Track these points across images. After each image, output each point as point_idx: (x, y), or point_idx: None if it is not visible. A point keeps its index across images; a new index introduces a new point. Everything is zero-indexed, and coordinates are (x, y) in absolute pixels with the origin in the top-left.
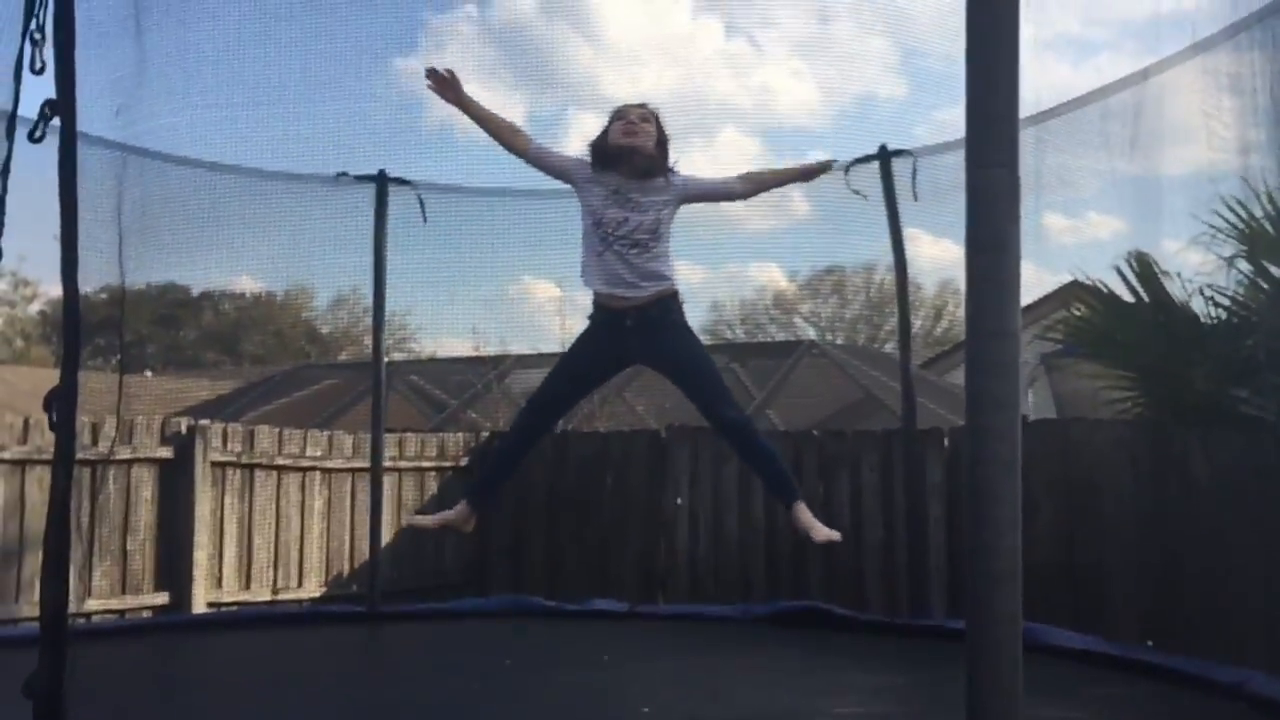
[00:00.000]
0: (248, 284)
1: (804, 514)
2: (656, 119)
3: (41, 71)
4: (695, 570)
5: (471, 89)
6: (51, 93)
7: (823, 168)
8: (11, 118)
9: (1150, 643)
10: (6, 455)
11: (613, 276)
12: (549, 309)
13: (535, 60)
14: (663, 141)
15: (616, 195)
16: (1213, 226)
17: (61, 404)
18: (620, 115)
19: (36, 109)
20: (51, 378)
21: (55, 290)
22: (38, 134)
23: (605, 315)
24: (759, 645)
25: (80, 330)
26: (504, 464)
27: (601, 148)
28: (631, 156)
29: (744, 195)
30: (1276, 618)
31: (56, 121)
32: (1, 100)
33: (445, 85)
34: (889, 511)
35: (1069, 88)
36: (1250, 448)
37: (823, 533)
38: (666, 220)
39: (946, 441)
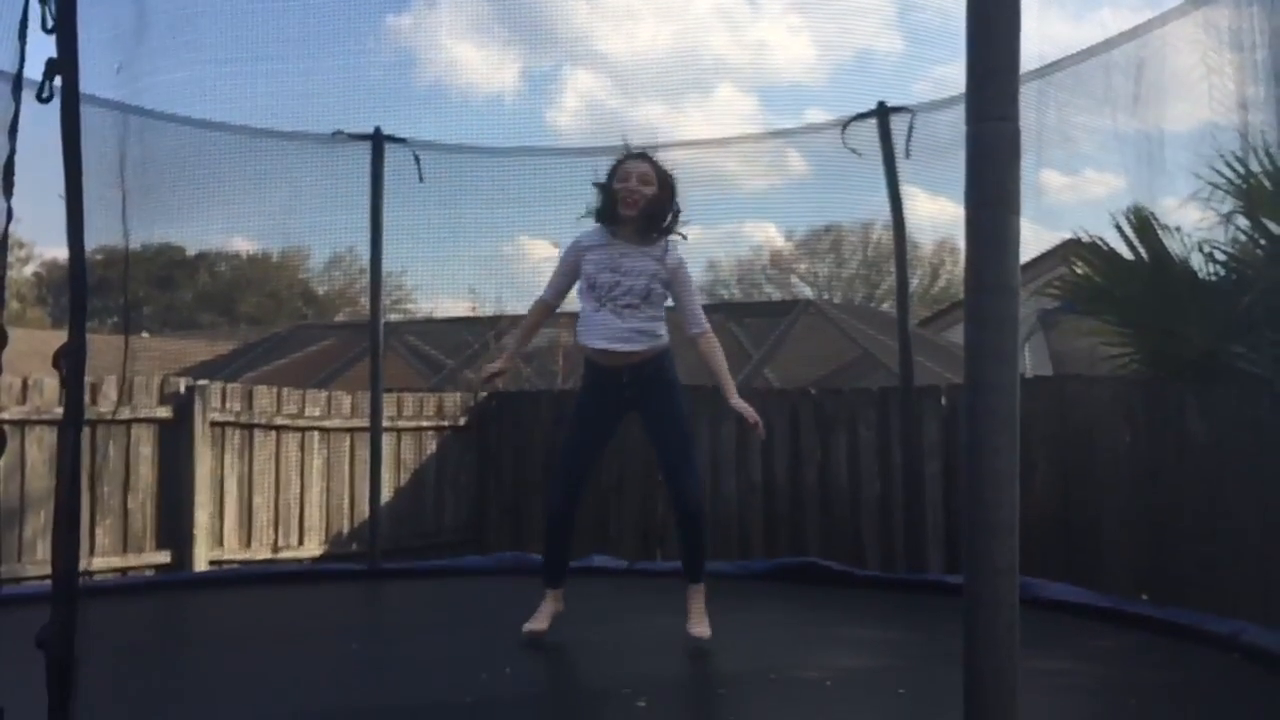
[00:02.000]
0: (243, 244)
1: (697, 599)
2: (658, 173)
3: (55, 31)
4: None
5: (464, 48)
6: (52, 51)
7: (751, 423)
8: (18, 76)
9: (1145, 596)
10: (5, 416)
11: (607, 332)
12: (545, 269)
13: (529, 16)
14: (665, 193)
15: (610, 259)
16: (1211, 183)
17: (71, 361)
18: (622, 176)
19: (40, 68)
20: (47, 339)
21: (50, 252)
22: (44, 95)
23: (600, 373)
24: (756, 601)
25: (87, 287)
26: (556, 541)
27: (607, 203)
28: (632, 222)
29: (691, 338)
30: (1270, 571)
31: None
32: (8, 60)
33: (506, 363)
34: (886, 469)
35: (1071, 42)
36: (1246, 403)
37: (698, 628)
38: (657, 290)
39: (944, 399)
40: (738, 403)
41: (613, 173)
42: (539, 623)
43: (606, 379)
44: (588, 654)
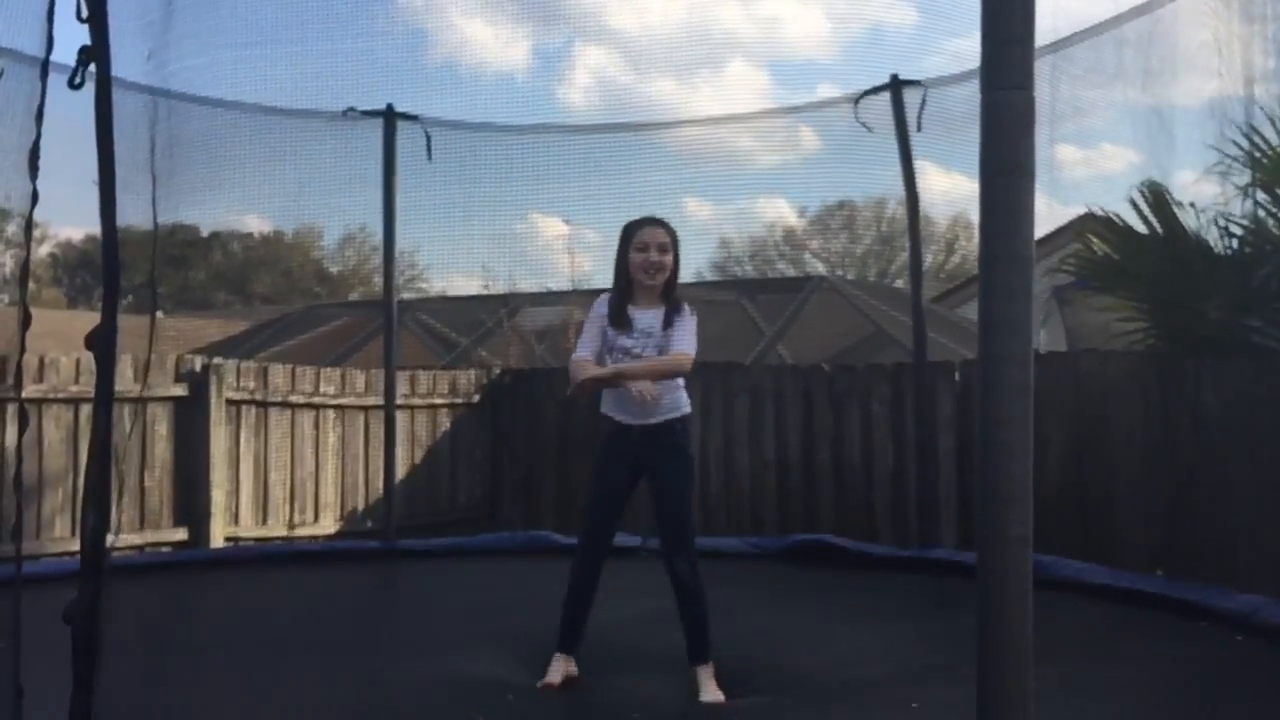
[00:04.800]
0: (257, 224)
1: (705, 675)
2: (674, 241)
3: (88, 20)
4: (707, 505)
5: (475, 24)
6: (82, 38)
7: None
8: (45, 62)
9: (1160, 571)
10: (22, 394)
11: (626, 402)
12: (557, 246)
13: None
14: (676, 264)
15: (626, 325)
16: (1227, 155)
17: (102, 343)
18: (640, 245)
19: (58, 54)
20: (63, 319)
21: (65, 232)
22: (77, 80)
23: (614, 431)
24: (770, 579)
25: (119, 270)
26: (575, 606)
27: (625, 269)
28: (652, 290)
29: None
30: None
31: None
32: (17, 40)
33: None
34: (899, 444)
35: (1085, 17)
36: (1261, 378)
37: (711, 695)
38: (669, 350)
39: (957, 375)
40: (632, 385)
41: (628, 238)
42: (552, 678)
43: (619, 438)
44: (597, 632)
